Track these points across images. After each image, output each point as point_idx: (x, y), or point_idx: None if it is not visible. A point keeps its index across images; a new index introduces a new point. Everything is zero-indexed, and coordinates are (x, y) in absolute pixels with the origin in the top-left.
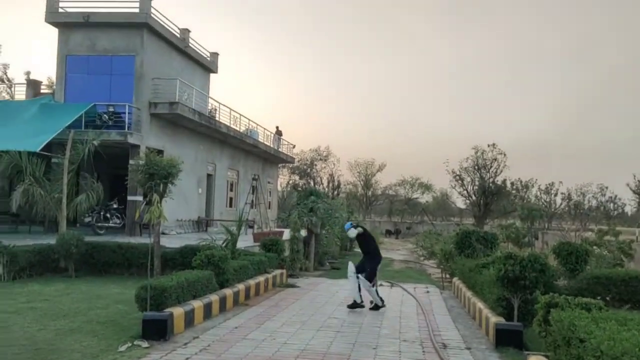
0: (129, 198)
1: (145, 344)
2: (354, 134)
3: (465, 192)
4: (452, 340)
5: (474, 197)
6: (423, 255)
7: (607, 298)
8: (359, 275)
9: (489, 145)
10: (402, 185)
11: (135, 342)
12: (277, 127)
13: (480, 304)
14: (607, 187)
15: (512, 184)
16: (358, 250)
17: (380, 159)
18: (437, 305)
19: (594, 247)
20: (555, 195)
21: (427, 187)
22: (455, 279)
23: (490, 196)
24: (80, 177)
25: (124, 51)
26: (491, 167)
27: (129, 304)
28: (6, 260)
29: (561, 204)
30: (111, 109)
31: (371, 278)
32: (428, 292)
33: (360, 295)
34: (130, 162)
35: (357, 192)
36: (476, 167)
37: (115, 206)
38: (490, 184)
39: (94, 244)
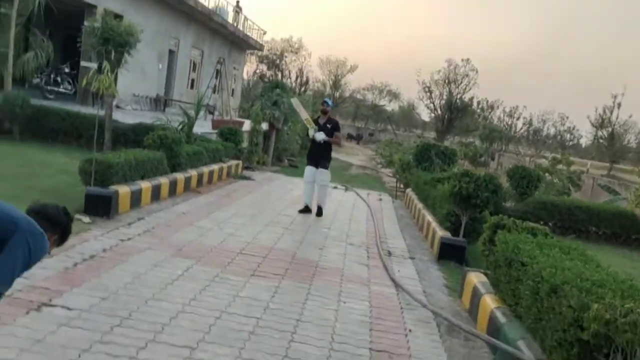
0: (82, 64)
1: (87, 219)
2: (329, 30)
3: (432, 105)
4: (397, 249)
5: (439, 111)
6: (381, 163)
7: (550, 224)
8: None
9: (462, 60)
10: (371, 91)
11: (76, 216)
12: (237, 2)
13: (429, 217)
14: (567, 117)
15: (478, 102)
16: None
17: (353, 59)
18: (388, 214)
19: (546, 174)
20: (518, 119)
21: (395, 96)
22: (409, 190)
23: (456, 112)
24: (29, 33)
25: None
26: (461, 82)
27: (74, 176)
28: None
29: (522, 128)
30: None
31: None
32: (381, 200)
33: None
34: (85, 23)
35: (324, 91)
36: (447, 81)
37: (67, 70)
38: (458, 100)
39: (42, 107)
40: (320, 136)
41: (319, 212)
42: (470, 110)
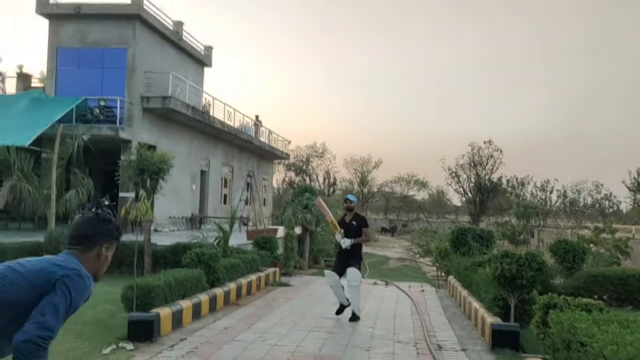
0: (121, 195)
1: (130, 346)
2: (351, 131)
3: (461, 189)
4: (447, 342)
5: (469, 195)
6: (418, 252)
7: (604, 297)
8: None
9: (485, 142)
10: (398, 183)
11: (120, 344)
12: (256, 117)
13: (476, 304)
14: (602, 185)
15: (507, 181)
16: None
17: (377, 155)
18: (432, 305)
19: (591, 245)
20: (551, 192)
21: (423, 184)
22: (450, 278)
23: (486, 193)
24: (70, 173)
25: (116, 44)
26: (487, 164)
27: (117, 304)
28: None
29: (557, 201)
30: (102, 103)
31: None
32: (423, 291)
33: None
34: (122, 157)
35: (353, 189)
36: (472, 164)
37: (106, 203)
38: (486, 181)
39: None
40: (346, 243)
41: (353, 317)
42: (500, 190)
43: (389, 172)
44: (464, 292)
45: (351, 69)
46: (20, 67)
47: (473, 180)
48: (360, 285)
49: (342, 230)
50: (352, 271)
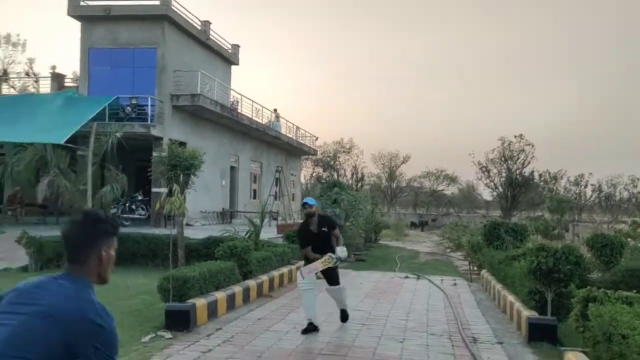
0: (153, 190)
1: (168, 335)
2: (378, 126)
3: (491, 183)
4: (482, 334)
5: (500, 189)
6: (449, 247)
7: None
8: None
9: (515, 137)
10: (427, 177)
11: (158, 333)
12: (275, 110)
13: (511, 297)
14: (638, 179)
15: (540, 175)
16: (384, 242)
17: (405, 150)
18: (466, 298)
19: (629, 239)
20: (585, 186)
21: (452, 179)
22: (483, 272)
23: (518, 188)
24: (104, 169)
25: (146, 44)
26: (518, 158)
27: (153, 295)
28: (33, 251)
29: (591, 195)
30: (134, 102)
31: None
32: (455, 284)
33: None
34: (153, 154)
35: (381, 184)
36: (503, 159)
37: (140, 198)
38: (518, 176)
39: (121, 234)
40: (339, 257)
41: (344, 317)
42: (533, 184)
43: (417, 167)
44: (498, 286)
45: (379, 64)
46: (54, 67)
47: (504, 174)
48: (342, 285)
49: (331, 255)
50: (337, 289)
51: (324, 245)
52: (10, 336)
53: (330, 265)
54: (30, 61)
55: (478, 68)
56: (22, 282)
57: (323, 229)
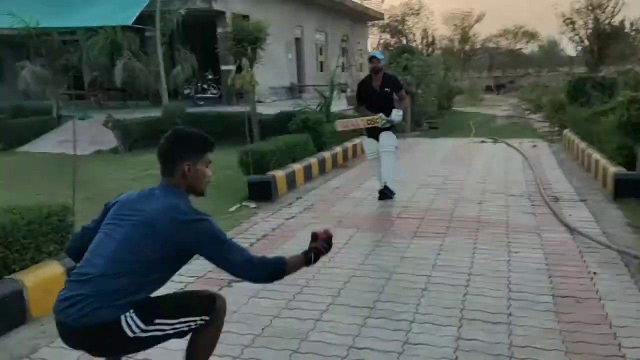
0: (222, 67)
1: (253, 205)
2: None
3: (576, 37)
4: (564, 193)
5: (586, 42)
6: (528, 109)
7: None
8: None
9: None
10: (504, 36)
11: (243, 203)
12: None
13: (596, 155)
14: None
15: (631, 24)
16: (458, 108)
17: (479, 8)
18: (546, 159)
19: None
20: None
21: (532, 36)
22: (566, 131)
23: (606, 40)
24: (173, 49)
25: None
26: (607, 6)
27: (234, 169)
28: (120, 133)
29: None
30: None
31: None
32: (535, 146)
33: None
34: (218, 29)
35: (453, 48)
36: (590, 7)
37: (210, 77)
38: (606, 26)
39: (195, 114)
40: (393, 119)
41: (383, 194)
42: (623, 35)
43: (493, 25)
44: (582, 145)
45: None
46: None
47: (591, 26)
48: (394, 151)
49: (381, 115)
50: (386, 136)
51: (383, 106)
52: (121, 243)
53: (377, 124)
54: None
55: None
56: (125, 194)
57: (386, 89)
